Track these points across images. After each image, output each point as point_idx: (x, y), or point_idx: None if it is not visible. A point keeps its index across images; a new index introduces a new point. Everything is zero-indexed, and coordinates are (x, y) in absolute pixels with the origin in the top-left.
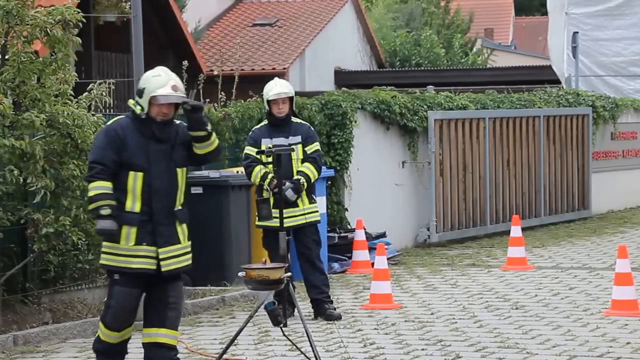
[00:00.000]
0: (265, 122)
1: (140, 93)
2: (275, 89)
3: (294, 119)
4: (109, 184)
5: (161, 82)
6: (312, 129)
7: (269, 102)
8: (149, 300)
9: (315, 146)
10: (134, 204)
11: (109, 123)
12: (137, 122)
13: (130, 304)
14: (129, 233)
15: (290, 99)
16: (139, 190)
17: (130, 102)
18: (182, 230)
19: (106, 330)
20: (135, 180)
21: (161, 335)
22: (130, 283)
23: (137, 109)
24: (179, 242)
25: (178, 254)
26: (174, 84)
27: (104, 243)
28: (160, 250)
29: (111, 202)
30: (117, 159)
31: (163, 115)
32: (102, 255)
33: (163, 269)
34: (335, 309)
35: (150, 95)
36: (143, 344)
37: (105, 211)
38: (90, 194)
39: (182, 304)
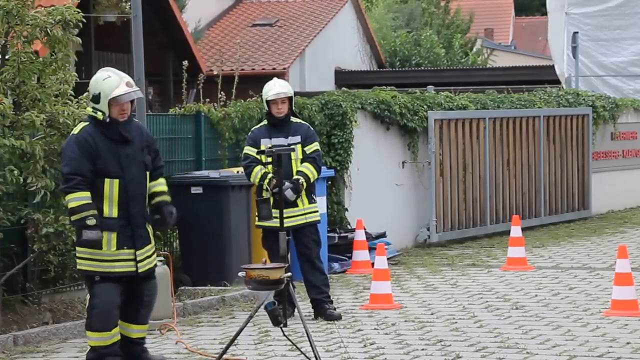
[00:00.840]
0: (264, 122)
1: (97, 99)
2: (274, 89)
3: (293, 119)
4: (88, 194)
5: (115, 83)
6: (312, 128)
7: (268, 102)
8: (126, 296)
9: (315, 146)
10: (111, 209)
11: (75, 132)
12: (102, 127)
13: (115, 299)
14: (110, 239)
15: (290, 99)
16: (116, 197)
17: (88, 110)
18: (150, 230)
19: (96, 334)
20: (111, 187)
21: (134, 331)
22: (112, 280)
23: (99, 115)
24: (150, 242)
25: (150, 254)
26: (128, 81)
27: (81, 249)
28: (138, 252)
29: (95, 212)
30: (92, 168)
31: (123, 113)
32: (80, 261)
33: (140, 270)
34: (335, 309)
35: (109, 97)
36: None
37: (91, 221)
38: (73, 205)
39: (154, 299)
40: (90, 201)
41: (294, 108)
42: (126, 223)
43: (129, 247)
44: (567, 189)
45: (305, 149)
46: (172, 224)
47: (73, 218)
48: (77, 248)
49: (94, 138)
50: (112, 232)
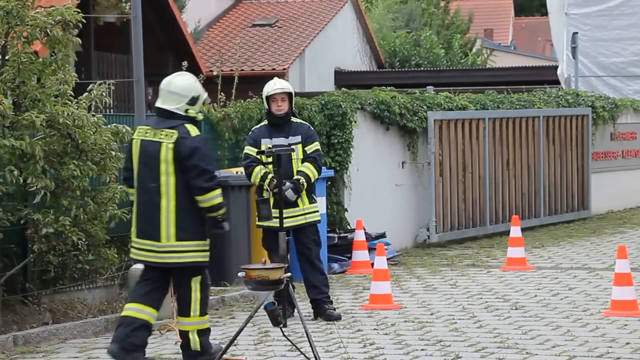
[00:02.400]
0: (265, 122)
1: (195, 101)
2: (274, 85)
3: (293, 119)
4: None
5: (201, 87)
6: (312, 128)
7: (268, 100)
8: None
9: (315, 146)
10: None
11: (199, 134)
12: (197, 127)
13: None
14: None
15: (290, 97)
16: None
17: (192, 112)
18: None
19: (206, 317)
20: None
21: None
22: None
23: (200, 116)
24: None
25: None
26: None
27: (196, 242)
28: None
29: None
30: None
31: None
32: (201, 254)
33: None
34: (335, 309)
35: (203, 100)
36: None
37: (225, 215)
38: (220, 200)
39: None
40: None
41: (294, 109)
42: None
43: None
44: (567, 190)
45: (305, 148)
46: None
47: (221, 212)
48: (200, 241)
49: None
50: None
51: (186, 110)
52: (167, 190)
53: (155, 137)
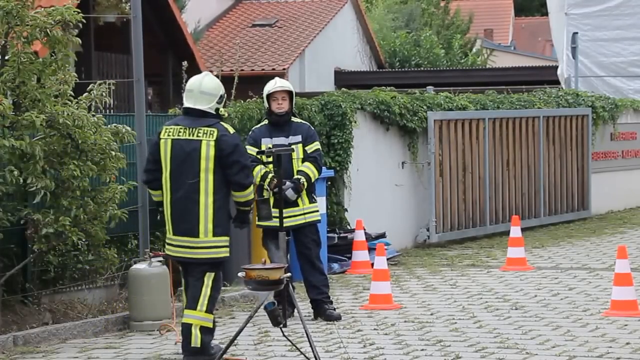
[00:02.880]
0: (265, 121)
1: (222, 99)
2: (275, 84)
3: (294, 119)
4: None
5: None
6: (312, 128)
7: (268, 98)
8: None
9: (316, 145)
10: None
11: (234, 131)
12: None
13: None
14: None
15: (290, 96)
16: None
17: (221, 110)
18: None
19: (211, 316)
20: None
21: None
22: None
23: (226, 113)
24: None
25: None
26: None
27: (223, 238)
28: None
29: None
30: None
31: None
32: (228, 248)
33: None
34: (334, 309)
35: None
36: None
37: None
38: (253, 196)
39: None
40: None
41: (294, 109)
42: None
43: None
44: (567, 190)
45: (306, 148)
46: None
47: (250, 207)
48: (228, 237)
49: None
50: None
51: (216, 109)
52: (206, 186)
53: (192, 135)
